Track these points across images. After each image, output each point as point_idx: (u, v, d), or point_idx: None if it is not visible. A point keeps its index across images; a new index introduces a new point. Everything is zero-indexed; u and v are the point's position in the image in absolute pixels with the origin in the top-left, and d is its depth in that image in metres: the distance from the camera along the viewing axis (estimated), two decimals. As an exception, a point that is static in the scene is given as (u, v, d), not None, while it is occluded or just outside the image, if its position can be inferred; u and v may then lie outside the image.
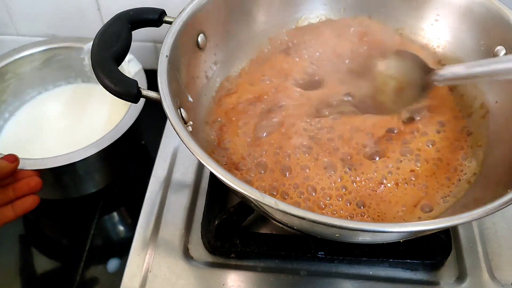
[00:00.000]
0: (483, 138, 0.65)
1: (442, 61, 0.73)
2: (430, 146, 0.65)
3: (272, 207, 0.45)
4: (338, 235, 0.53)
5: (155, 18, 0.58)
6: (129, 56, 0.87)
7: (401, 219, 0.59)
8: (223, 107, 0.69)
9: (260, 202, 0.46)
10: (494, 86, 0.65)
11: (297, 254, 0.67)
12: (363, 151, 0.64)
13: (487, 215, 0.46)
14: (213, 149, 0.65)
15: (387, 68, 0.68)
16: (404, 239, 0.61)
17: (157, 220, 0.72)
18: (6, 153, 0.68)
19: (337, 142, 0.65)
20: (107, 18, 0.57)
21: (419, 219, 0.59)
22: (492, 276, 0.66)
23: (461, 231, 0.70)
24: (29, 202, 0.67)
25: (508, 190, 0.48)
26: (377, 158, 0.63)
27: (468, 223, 0.71)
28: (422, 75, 0.64)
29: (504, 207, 0.46)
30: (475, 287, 0.65)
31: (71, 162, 0.74)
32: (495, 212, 0.46)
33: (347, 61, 0.74)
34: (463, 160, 0.64)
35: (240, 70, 0.74)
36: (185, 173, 0.78)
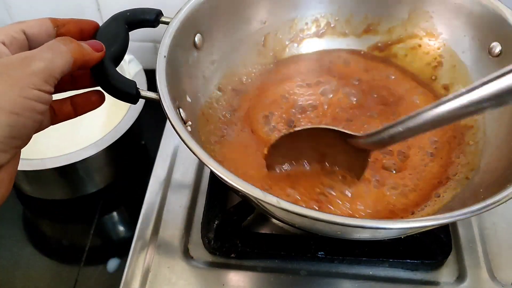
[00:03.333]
0: (480, 133, 0.65)
1: (438, 58, 0.73)
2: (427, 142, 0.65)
3: (274, 205, 0.45)
4: (339, 232, 0.53)
5: (152, 18, 0.58)
6: (129, 57, 0.87)
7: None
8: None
9: (261, 200, 0.46)
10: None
11: (297, 254, 0.67)
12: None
13: (486, 210, 0.45)
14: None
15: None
16: (404, 235, 0.61)
17: (157, 220, 0.72)
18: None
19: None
20: (107, 18, 0.57)
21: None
22: (492, 276, 0.66)
23: (461, 231, 0.70)
24: (93, 101, 0.54)
25: (507, 185, 0.48)
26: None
27: (468, 223, 0.71)
28: (346, 145, 0.58)
29: (503, 202, 0.46)
30: (475, 287, 0.65)
31: (71, 162, 0.74)
32: (495, 207, 0.46)
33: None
34: (461, 155, 0.64)
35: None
36: (185, 173, 0.78)
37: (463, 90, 0.42)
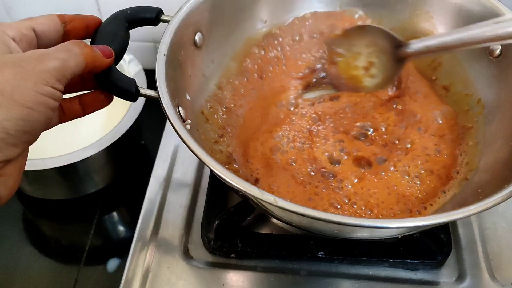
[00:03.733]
0: (480, 133, 0.65)
1: (438, 59, 0.73)
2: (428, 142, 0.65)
3: (271, 204, 0.45)
4: (337, 231, 0.53)
5: (152, 17, 0.59)
6: (129, 57, 0.87)
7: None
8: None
9: (259, 199, 0.46)
10: (490, 83, 0.66)
11: (297, 254, 0.67)
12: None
13: (484, 210, 0.45)
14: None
15: (353, 45, 0.69)
16: (402, 235, 0.61)
17: (157, 220, 0.72)
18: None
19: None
20: (106, 18, 0.57)
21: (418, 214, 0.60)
22: (492, 276, 0.66)
23: (461, 231, 0.70)
24: (101, 99, 0.54)
25: (505, 185, 0.48)
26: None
27: (468, 223, 0.71)
28: (393, 50, 0.64)
29: (501, 202, 0.46)
30: (475, 287, 0.65)
31: (71, 162, 0.74)
32: (493, 207, 0.46)
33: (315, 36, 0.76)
34: (460, 156, 0.64)
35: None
36: (185, 173, 0.78)
37: None
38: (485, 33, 0.53)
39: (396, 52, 0.63)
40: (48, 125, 0.47)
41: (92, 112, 0.54)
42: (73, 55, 0.44)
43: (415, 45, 0.62)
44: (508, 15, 0.58)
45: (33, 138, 0.43)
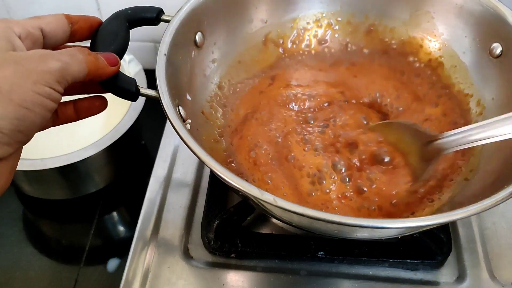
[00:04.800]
0: None
1: (439, 59, 0.72)
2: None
3: (271, 204, 0.45)
4: (336, 231, 0.53)
5: (153, 16, 0.59)
6: (129, 57, 0.87)
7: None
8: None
9: (259, 199, 0.46)
10: (490, 83, 0.66)
11: (297, 254, 0.67)
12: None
13: (484, 211, 0.45)
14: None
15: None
16: (402, 235, 0.61)
17: (157, 220, 0.72)
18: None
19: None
20: (107, 18, 0.57)
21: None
22: (492, 276, 0.66)
23: (461, 231, 0.70)
24: (96, 106, 0.54)
25: (505, 186, 0.48)
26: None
27: (468, 223, 0.71)
28: (423, 145, 0.60)
29: (501, 203, 0.46)
30: (475, 287, 0.65)
31: (71, 162, 0.74)
32: (492, 207, 0.46)
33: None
34: (459, 157, 0.64)
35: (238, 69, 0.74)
36: (185, 173, 0.78)
37: None
38: None
39: (426, 148, 0.60)
40: (43, 127, 0.47)
41: (86, 117, 0.54)
42: (76, 60, 0.44)
43: (446, 142, 0.57)
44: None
45: (27, 138, 0.43)
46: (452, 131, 0.56)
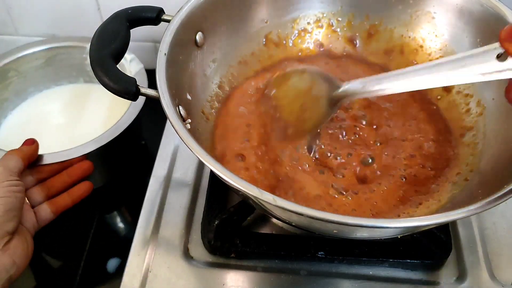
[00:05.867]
0: (480, 135, 0.65)
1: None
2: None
3: (270, 203, 0.45)
4: (336, 231, 0.53)
5: (153, 16, 0.59)
6: (130, 56, 0.87)
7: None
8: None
9: (258, 198, 0.46)
10: (491, 83, 0.65)
11: (297, 254, 0.67)
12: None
13: (484, 211, 0.46)
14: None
15: (292, 88, 0.66)
16: (401, 235, 0.61)
17: (157, 219, 0.72)
18: (7, 149, 0.69)
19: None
20: (107, 17, 0.57)
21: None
22: (492, 276, 0.66)
23: (461, 231, 0.70)
24: (83, 190, 0.74)
25: (505, 186, 0.48)
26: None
27: (468, 223, 0.71)
28: (328, 92, 0.61)
29: (501, 202, 0.46)
30: (475, 287, 0.65)
31: (69, 158, 0.74)
32: (492, 207, 0.46)
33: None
34: (460, 157, 0.64)
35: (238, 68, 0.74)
36: (185, 173, 0.78)
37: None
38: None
39: (330, 95, 0.61)
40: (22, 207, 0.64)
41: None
42: (10, 159, 0.65)
43: (345, 88, 0.60)
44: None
45: (18, 213, 0.61)
46: (354, 80, 0.59)
